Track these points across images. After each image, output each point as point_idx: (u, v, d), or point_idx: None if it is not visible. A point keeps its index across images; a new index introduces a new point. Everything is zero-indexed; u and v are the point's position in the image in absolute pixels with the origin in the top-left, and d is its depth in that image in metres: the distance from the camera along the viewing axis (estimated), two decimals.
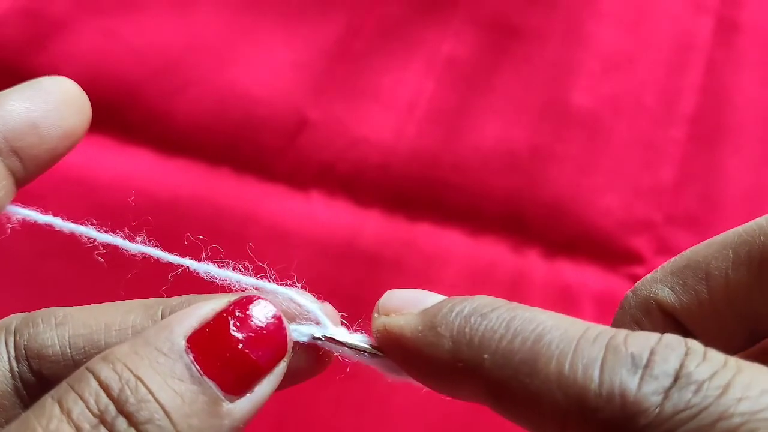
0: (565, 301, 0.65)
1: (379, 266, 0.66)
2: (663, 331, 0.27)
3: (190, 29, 0.70)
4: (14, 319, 0.35)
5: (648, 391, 0.24)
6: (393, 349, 0.31)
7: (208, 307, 0.30)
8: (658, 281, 0.34)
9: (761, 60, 0.73)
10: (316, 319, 0.34)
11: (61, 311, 0.35)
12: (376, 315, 0.32)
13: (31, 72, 0.68)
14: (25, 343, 0.34)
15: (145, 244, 0.35)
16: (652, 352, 0.25)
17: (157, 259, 0.35)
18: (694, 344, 0.26)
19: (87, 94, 0.67)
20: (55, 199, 0.64)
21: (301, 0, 0.72)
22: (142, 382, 0.27)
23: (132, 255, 0.35)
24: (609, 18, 0.73)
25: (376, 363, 0.33)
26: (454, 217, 0.68)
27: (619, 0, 0.74)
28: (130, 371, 0.28)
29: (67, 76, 0.72)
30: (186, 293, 0.35)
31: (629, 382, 0.25)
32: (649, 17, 0.74)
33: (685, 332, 0.33)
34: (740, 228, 0.33)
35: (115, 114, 0.67)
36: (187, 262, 0.35)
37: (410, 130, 0.69)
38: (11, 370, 0.34)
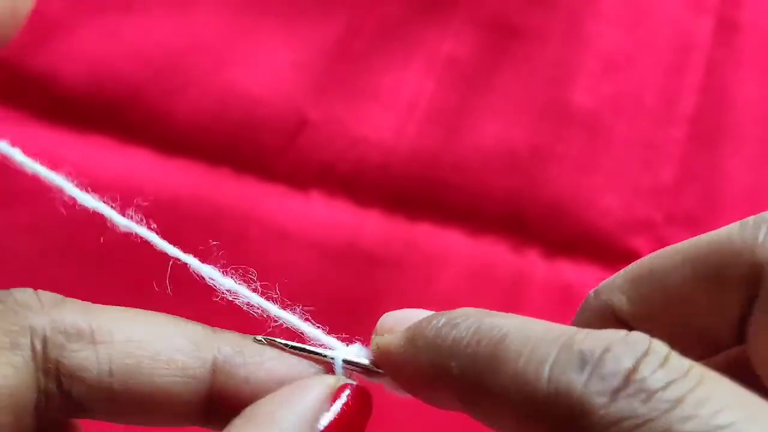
0: (565, 301, 0.65)
1: (379, 266, 0.65)
2: None
3: (191, 29, 0.70)
4: (35, 309, 0.32)
5: (593, 391, 0.24)
6: (386, 366, 0.32)
7: (319, 390, 0.30)
8: (616, 287, 0.33)
9: (762, 60, 0.73)
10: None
11: (95, 316, 0.32)
12: (374, 336, 0.33)
13: (30, 72, 0.68)
14: (58, 357, 0.31)
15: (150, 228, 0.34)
16: (605, 350, 0.24)
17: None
18: (658, 345, 0.25)
19: (87, 94, 0.68)
20: (54, 199, 0.64)
21: (301, 0, 0.72)
22: None
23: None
24: (609, 18, 0.73)
25: (381, 381, 0.34)
26: (454, 217, 0.68)
27: (619, 0, 0.74)
28: None
29: (67, 76, 0.73)
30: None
31: (575, 380, 0.24)
32: (649, 17, 0.74)
33: None
34: (703, 238, 0.31)
35: (115, 114, 0.67)
36: (192, 261, 0.35)
37: (410, 130, 0.69)
38: (37, 385, 0.31)
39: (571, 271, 0.67)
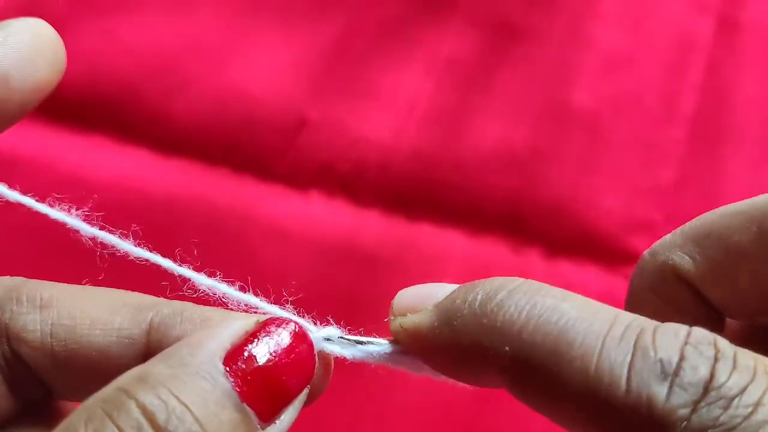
0: None
1: (378, 266, 0.65)
2: (679, 297, 0.26)
3: (189, 29, 0.70)
4: None
5: (676, 404, 0.24)
6: (413, 347, 0.30)
7: (237, 325, 0.28)
8: (677, 246, 0.33)
9: (762, 60, 0.73)
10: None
11: (48, 290, 0.34)
12: (392, 317, 0.31)
13: None
14: (7, 321, 0.33)
15: (143, 246, 0.34)
16: (681, 357, 0.24)
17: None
18: (724, 345, 0.25)
19: (85, 94, 0.68)
20: (52, 199, 0.64)
21: (300, 0, 0.72)
22: (189, 411, 0.26)
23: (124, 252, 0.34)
24: (609, 18, 0.73)
25: (391, 360, 0.32)
26: (454, 217, 0.67)
27: (619, 0, 0.74)
28: (176, 398, 0.26)
29: (66, 76, 0.72)
30: (174, 296, 0.34)
31: (658, 392, 0.24)
32: (649, 17, 0.74)
33: (701, 298, 0.33)
34: (761, 199, 0.32)
35: (114, 114, 0.67)
36: (187, 272, 0.34)
37: (410, 130, 0.69)
38: None
39: (571, 272, 0.67)
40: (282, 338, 0.29)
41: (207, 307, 0.34)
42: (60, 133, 0.67)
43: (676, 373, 0.24)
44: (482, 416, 0.60)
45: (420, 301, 0.30)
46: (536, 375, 0.26)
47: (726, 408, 0.23)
